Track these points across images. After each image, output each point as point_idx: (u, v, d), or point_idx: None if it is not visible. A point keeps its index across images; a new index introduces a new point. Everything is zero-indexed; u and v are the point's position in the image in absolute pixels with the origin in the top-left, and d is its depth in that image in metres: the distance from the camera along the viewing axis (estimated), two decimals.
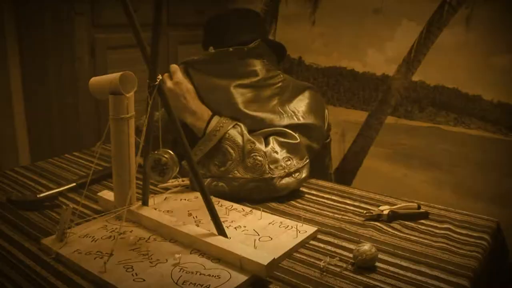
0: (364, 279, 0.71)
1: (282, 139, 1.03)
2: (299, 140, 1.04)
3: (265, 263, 0.67)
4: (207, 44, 1.19)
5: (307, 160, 1.05)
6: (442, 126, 2.11)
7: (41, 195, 0.97)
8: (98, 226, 0.85)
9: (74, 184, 1.04)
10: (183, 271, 0.70)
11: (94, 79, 0.89)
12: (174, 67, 1.11)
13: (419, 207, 0.96)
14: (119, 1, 0.68)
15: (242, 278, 0.68)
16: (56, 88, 2.14)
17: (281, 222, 0.88)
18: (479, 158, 2.01)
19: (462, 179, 2.06)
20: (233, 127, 1.03)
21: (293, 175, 1.01)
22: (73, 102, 2.08)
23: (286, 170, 1.00)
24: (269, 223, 0.87)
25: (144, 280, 0.68)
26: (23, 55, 2.24)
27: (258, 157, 0.99)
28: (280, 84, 1.13)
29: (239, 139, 1.01)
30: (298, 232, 0.83)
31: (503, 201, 1.95)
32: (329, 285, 0.69)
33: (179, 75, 1.09)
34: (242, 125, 1.04)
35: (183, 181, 1.05)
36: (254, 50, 1.10)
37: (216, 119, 1.05)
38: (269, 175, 0.98)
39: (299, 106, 1.11)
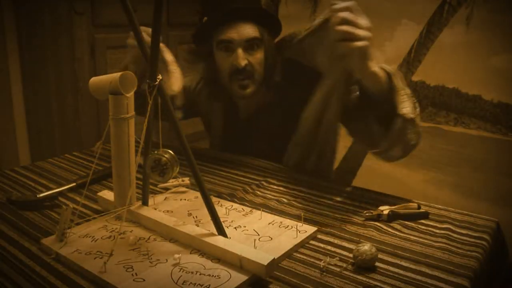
0: (364, 279, 0.71)
1: None
2: None
3: (265, 263, 0.67)
4: (202, 16, 1.22)
5: None
6: (442, 126, 2.11)
7: (41, 195, 0.97)
8: (98, 226, 0.85)
9: (74, 184, 1.04)
10: (183, 271, 0.70)
11: (94, 79, 0.89)
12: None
13: (419, 207, 0.96)
14: (119, 0, 0.68)
15: (242, 278, 0.68)
16: (56, 88, 2.14)
17: (281, 222, 0.88)
18: (479, 158, 2.01)
19: (462, 179, 2.06)
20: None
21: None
22: (73, 102, 2.09)
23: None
24: (269, 223, 0.87)
25: (144, 280, 0.68)
26: (23, 55, 2.25)
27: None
28: None
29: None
30: (298, 232, 0.83)
31: (503, 201, 1.95)
32: (329, 285, 0.69)
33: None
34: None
35: (183, 181, 1.05)
36: None
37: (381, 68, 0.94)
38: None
39: None
